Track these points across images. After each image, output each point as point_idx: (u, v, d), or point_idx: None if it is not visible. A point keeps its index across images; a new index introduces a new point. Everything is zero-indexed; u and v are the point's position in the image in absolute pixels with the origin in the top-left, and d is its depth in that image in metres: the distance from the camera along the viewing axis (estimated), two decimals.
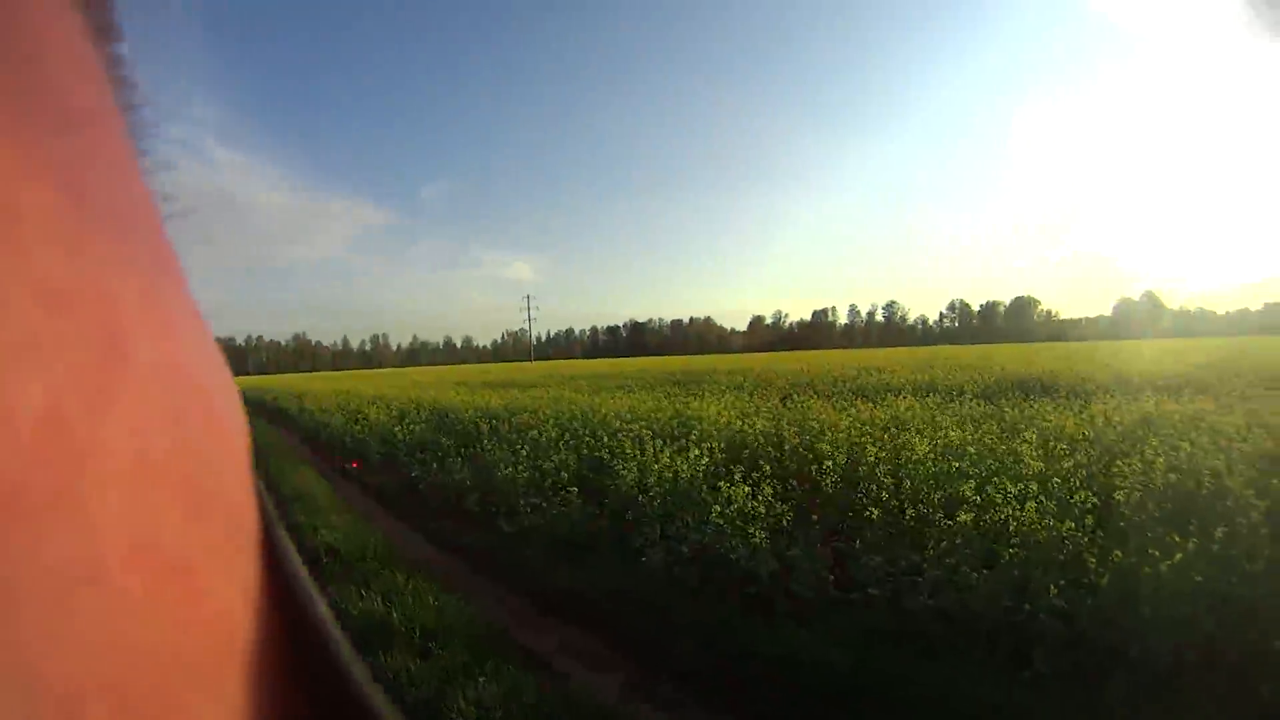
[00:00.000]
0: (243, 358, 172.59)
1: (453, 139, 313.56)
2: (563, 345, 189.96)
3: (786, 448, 6.20)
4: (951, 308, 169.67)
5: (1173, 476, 4.24)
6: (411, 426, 10.29)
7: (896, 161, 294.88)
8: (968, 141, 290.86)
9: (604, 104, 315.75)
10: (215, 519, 0.16)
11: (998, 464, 4.93)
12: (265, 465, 7.98)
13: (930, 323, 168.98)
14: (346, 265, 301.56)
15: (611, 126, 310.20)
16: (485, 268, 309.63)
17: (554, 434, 7.60)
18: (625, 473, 5.61)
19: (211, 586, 0.16)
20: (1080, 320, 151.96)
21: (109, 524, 0.13)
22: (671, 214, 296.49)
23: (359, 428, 11.52)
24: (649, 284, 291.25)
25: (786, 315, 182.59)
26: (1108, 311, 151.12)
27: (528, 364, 71.74)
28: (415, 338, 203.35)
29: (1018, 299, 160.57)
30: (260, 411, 23.38)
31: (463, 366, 74.18)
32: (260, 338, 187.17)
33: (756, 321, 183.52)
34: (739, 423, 7.32)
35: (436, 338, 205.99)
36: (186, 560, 0.15)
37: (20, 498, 0.11)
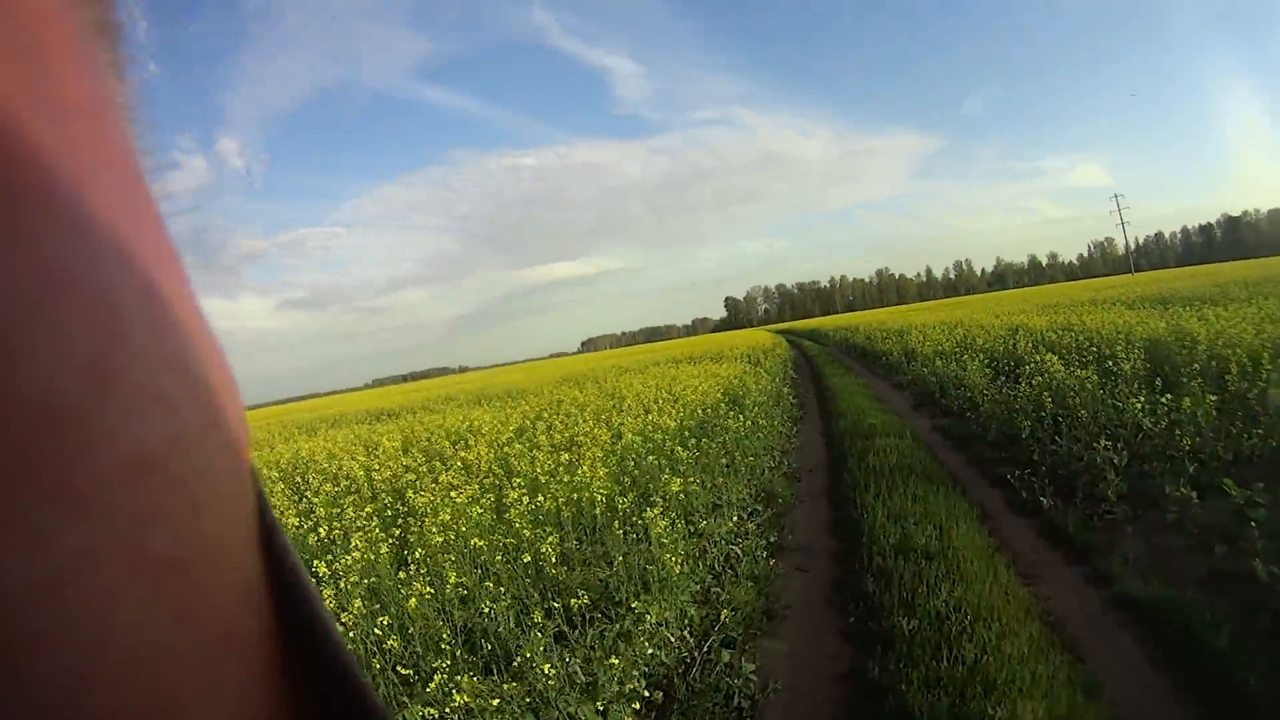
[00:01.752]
0: (829, 299, 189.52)
1: (982, 44, 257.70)
2: (1153, 252, 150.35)
3: None
4: None
5: None
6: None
7: None
8: None
9: None
10: (214, 513, 0.16)
11: None
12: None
13: None
14: (909, 196, 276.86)
15: None
16: (1048, 177, 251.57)
17: None
18: None
19: (209, 581, 0.16)
20: None
21: (108, 517, 0.13)
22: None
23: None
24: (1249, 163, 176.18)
25: None
26: None
27: (1132, 277, 58.14)
28: (999, 260, 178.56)
29: None
30: (844, 357, 23.20)
31: (1060, 286, 63.78)
32: (843, 278, 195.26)
33: None
34: None
35: (1019, 257, 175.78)
36: (185, 555, 0.15)
37: (19, 490, 0.12)
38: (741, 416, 7.67)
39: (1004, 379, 9.19)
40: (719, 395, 9.21)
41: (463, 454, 6.93)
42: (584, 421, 7.76)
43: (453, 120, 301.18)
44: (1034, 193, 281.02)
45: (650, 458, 5.81)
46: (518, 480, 5.11)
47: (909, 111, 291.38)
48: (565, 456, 5.84)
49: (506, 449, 6.86)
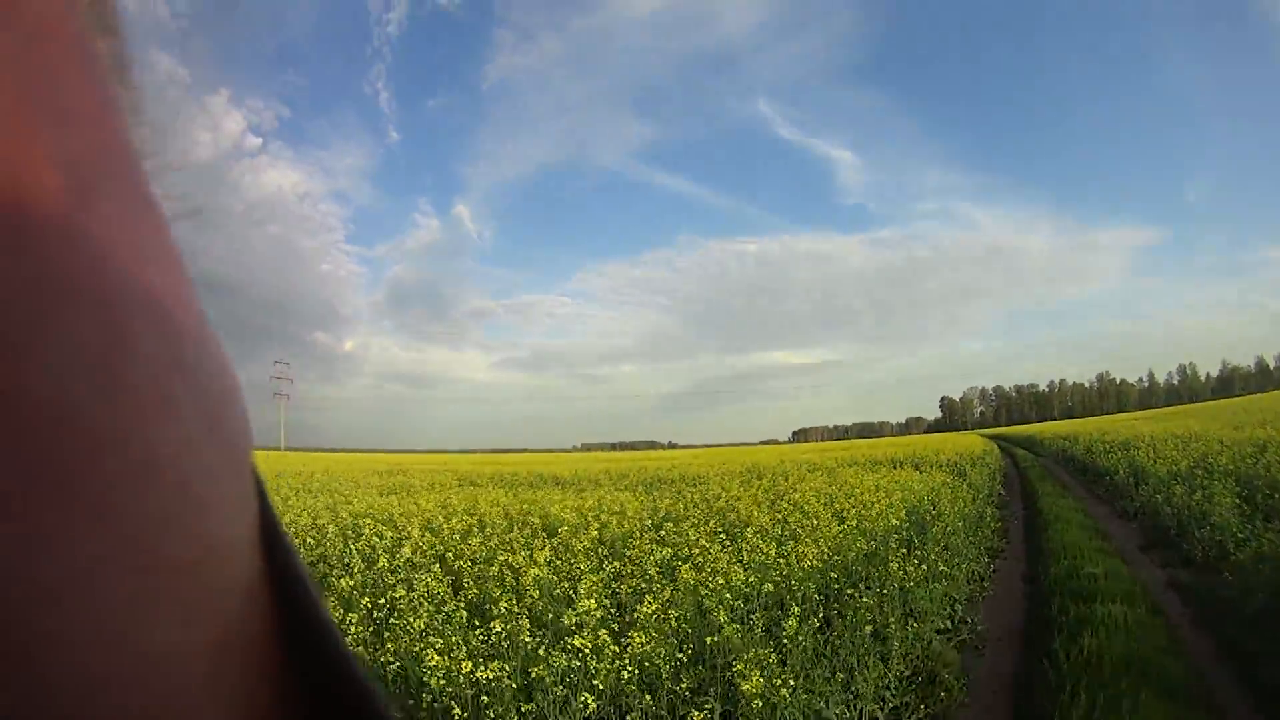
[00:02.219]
0: (1047, 403, 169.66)
1: (1208, 124, 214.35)
2: None
3: None
4: None
5: None
6: None
7: None
8: None
9: None
10: (218, 515, 0.16)
11: None
12: None
13: None
14: (1129, 293, 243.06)
15: None
16: (1276, 268, 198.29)
17: None
18: None
19: (215, 582, 0.16)
20: None
21: (114, 520, 0.13)
22: None
23: None
24: None
25: None
26: None
27: None
28: (1224, 363, 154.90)
29: None
30: (1061, 471, 20.75)
31: None
32: (1062, 381, 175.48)
33: None
34: None
35: (1246, 359, 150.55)
36: (190, 556, 0.15)
37: (26, 493, 0.12)
38: (918, 554, 6.10)
39: (1261, 515, 7.50)
40: (901, 516, 7.88)
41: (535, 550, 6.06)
42: (696, 531, 6.54)
43: (679, 204, 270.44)
44: (1261, 286, 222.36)
45: (727, 626, 3.99)
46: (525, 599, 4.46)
47: (1130, 200, 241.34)
48: (625, 587, 4.96)
49: (582, 557, 5.87)
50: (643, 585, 5.00)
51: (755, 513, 8.04)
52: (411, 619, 4.11)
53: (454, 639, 3.81)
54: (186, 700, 0.15)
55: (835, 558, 5.78)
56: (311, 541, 7.32)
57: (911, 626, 4.83)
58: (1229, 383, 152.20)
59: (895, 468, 15.25)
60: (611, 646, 3.60)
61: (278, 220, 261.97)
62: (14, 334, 0.12)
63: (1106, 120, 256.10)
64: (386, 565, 5.81)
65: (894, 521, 7.51)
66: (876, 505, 8.16)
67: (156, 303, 0.15)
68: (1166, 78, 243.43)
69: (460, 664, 3.40)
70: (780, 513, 8.04)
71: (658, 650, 3.73)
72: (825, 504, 8.62)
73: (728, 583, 4.60)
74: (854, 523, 7.08)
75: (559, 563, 5.62)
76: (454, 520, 7.94)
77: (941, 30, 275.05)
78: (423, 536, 7.03)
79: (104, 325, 0.13)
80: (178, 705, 0.15)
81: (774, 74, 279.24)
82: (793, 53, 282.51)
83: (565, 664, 3.53)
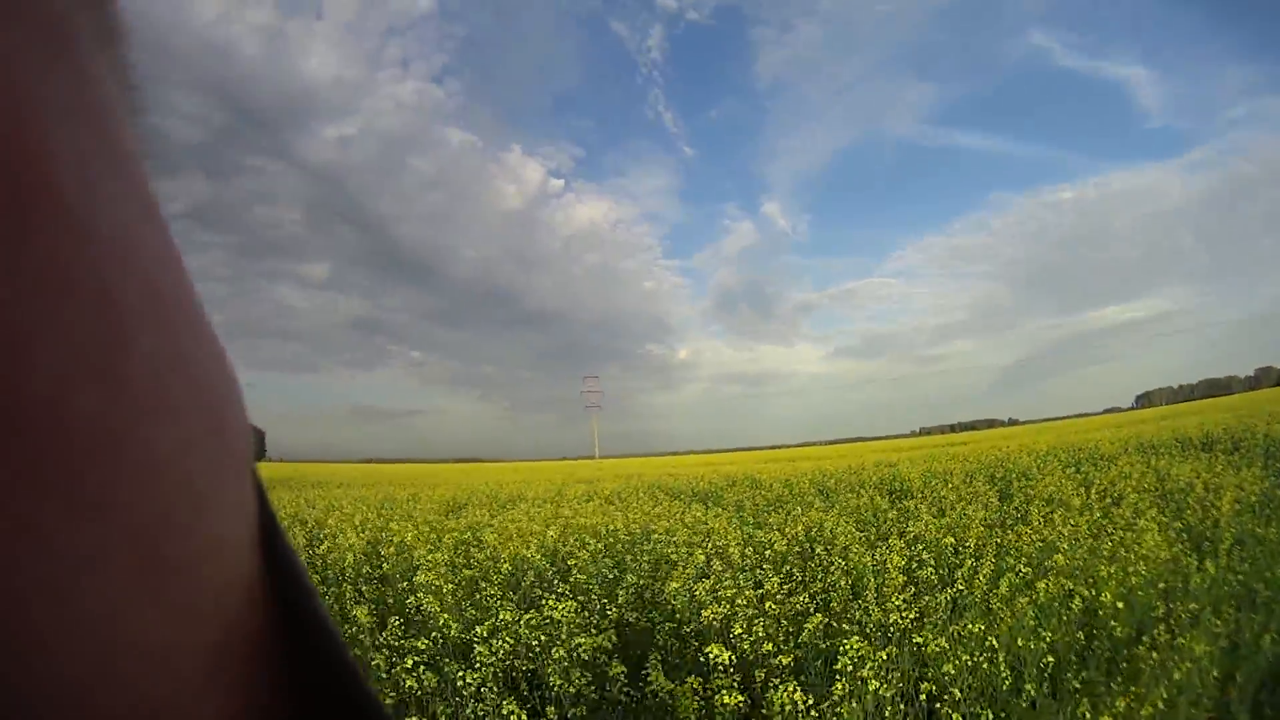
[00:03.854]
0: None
1: None
2: None
3: None
4: None
5: None
6: None
7: None
8: None
9: None
10: (218, 514, 0.16)
11: None
12: None
13: None
14: None
15: None
16: None
17: None
18: None
19: (214, 581, 0.16)
20: None
21: (112, 517, 0.13)
22: None
23: None
24: None
25: None
26: None
27: None
28: None
29: None
30: None
31: None
32: None
33: None
34: None
35: None
36: (190, 555, 0.15)
37: (27, 492, 0.12)
38: None
39: None
40: None
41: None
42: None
43: (980, 162, 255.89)
44: None
45: None
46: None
47: None
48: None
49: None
50: None
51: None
52: None
53: None
54: (185, 698, 0.15)
55: None
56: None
57: None
58: None
59: (1209, 450, 10.72)
60: None
61: (595, 249, 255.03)
62: (15, 332, 0.12)
63: None
64: None
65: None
66: None
67: (157, 302, 0.15)
68: None
69: None
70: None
71: None
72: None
73: None
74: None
75: None
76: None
77: None
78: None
79: (105, 325, 0.13)
80: (176, 703, 0.15)
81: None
82: None
83: None
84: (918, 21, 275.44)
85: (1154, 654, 3.52)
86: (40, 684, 0.12)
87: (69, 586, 0.12)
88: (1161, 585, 4.39)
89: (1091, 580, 4.48)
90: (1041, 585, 4.14)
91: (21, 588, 0.12)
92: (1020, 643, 3.48)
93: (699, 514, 8.50)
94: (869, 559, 5.20)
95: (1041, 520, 6.21)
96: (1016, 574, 4.51)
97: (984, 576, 4.58)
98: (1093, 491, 7.59)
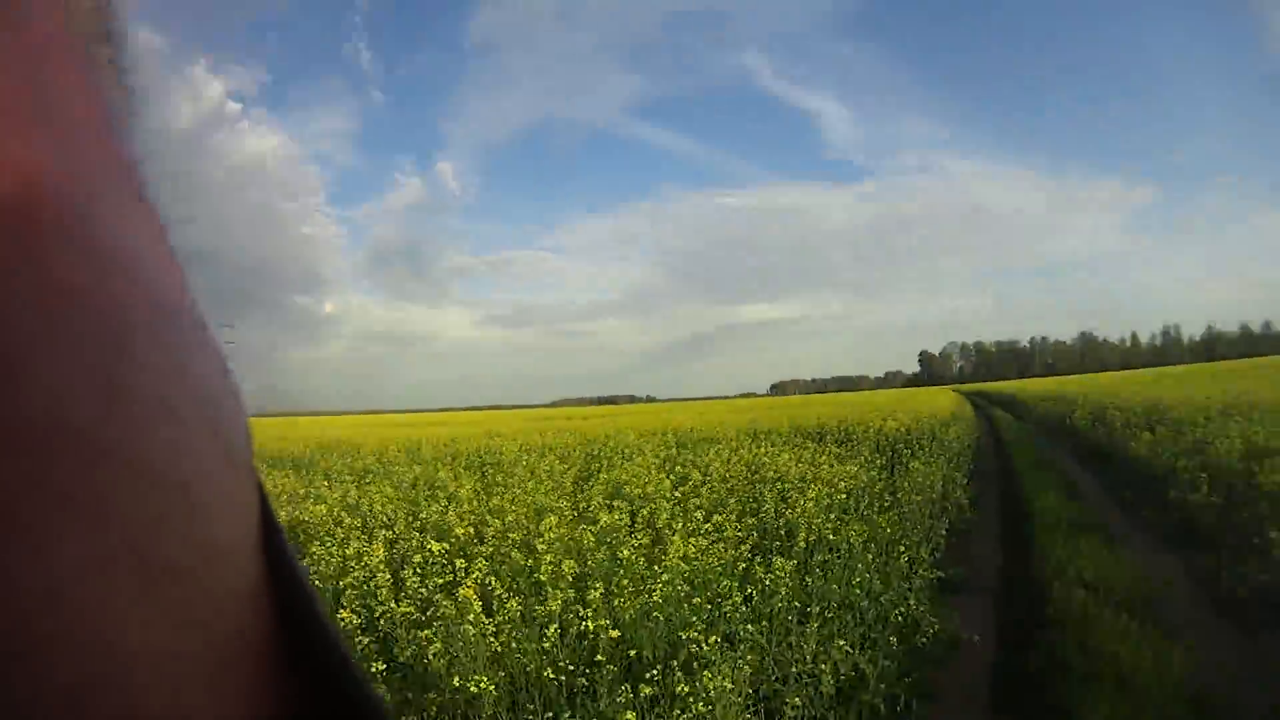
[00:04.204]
0: (1027, 360, 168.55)
1: (1206, 86, 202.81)
2: None
3: None
4: None
5: None
6: None
7: None
8: None
9: None
10: (219, 519, 0.16)
11: None
12: None
13: None
14: (1116, 253, 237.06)
15: None
16: (1267, 235, 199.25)
17: None
18: None
19: (214, 586, 0.16)
20: None
21: (113, 523, 0.13)
22: None
23: None
24: None
25: None
26: None
27: None
28: (1210, 327, 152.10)
29: None
30: (1053, 446, 14.72)
31: None
32: (1044, 338, 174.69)
33: None
34: None
35: (1229, 325, 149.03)
36: (190, 560, 0.15)
37: (26, 497, 0.12)
38: None
39: None
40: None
41: None
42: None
43: (663, 157, 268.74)
44: (1249, 252, 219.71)
45: None
46: None
47: (1121, 158, 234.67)
48: None
49: None
50: None
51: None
52: None
53: None
54: (186, 703, 0.15)
55: None
56: None
57: None
58: (1212, 346, 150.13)
59: (818, 441, 10.33)
60: None
61: (260, 185, 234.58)
62: (17, 342, 0.12)
63: (1100, 78, 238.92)
64: None
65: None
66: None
67: (158, 310, 0.15)
68: (1165, 36, 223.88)
69: None
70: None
71: None
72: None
73: None
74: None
75: None
76: None
77: None
78: None
79: (106, 333, 0.14)
80: (177, 708, 0.14)
81: (766, 25, 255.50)
82: (784, 7, 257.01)
83: None
84: (644, 17, 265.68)
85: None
86: (41, 690, 0.12)
87: (69, 593, 0.12)
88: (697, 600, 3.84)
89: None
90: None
91: (22, 594, 0.12)
92: None
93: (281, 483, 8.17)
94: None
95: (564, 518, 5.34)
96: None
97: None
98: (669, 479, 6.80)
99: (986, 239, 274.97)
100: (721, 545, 4.67)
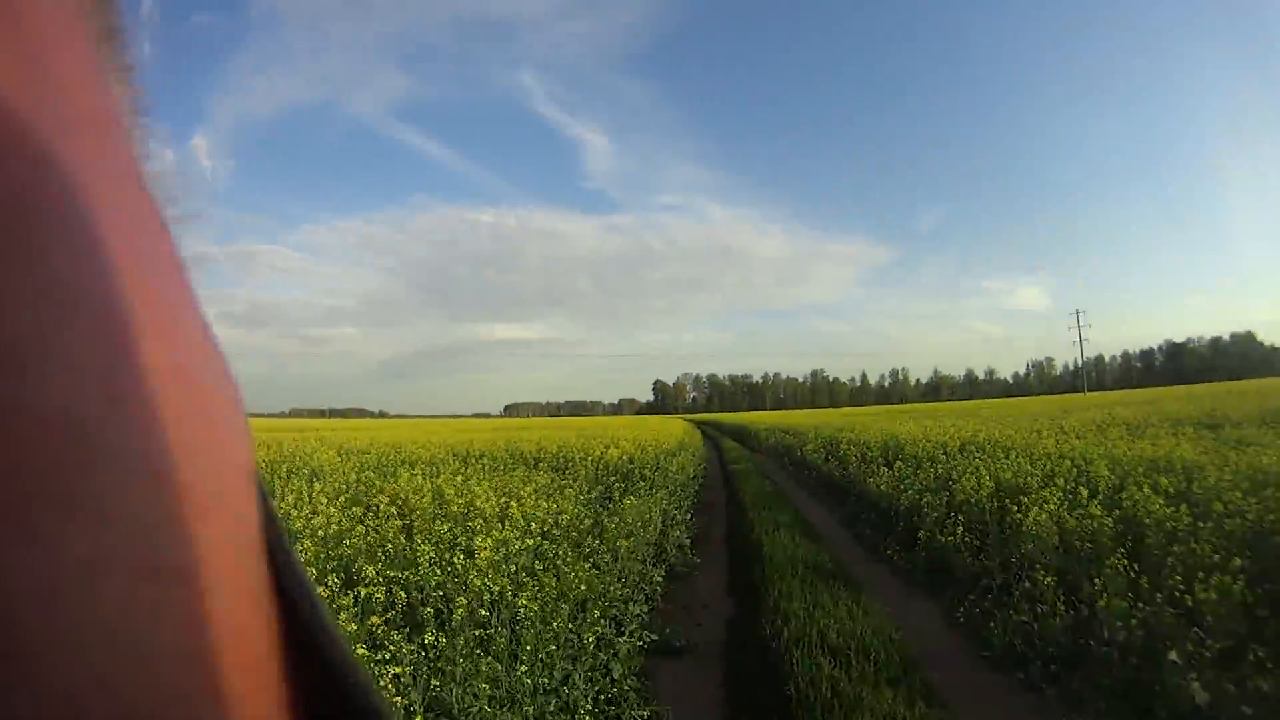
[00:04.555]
0: (760, 394, 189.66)
1: (944, 161, 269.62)
2: (1092, 375, 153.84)
3: None
4: None
5: None
6: None
7: None
8: None
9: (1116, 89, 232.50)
10: (220, 524, 0.16)
11: None
12: None
13: None
14: (852, 302, 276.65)
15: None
16: (990, 297, 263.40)
17: None
18: None
19: (216, 588, 0.16)
20: None
21: (117, 527, 0.13)
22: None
23: None
24: (1193, 294, 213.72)
25: None
26: None
27: (1082, 397, 56.82)
28: (936, 371, 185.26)
29: None
30: (784, 475, 14.70)
31: (1012, 401, 61.04)
32: (776, 375, 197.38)
33: None
34: None
35: (957, 370, 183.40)
36: (192, 565, 0.15)
37: (30, 503, 0.12)
38: None
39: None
40: None
41: None
42: None
43: (423, 164, 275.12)
44: (975, 311, 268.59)
45: None
46: None
47: (865, 221, 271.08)
48: None
49: None
50: None
51: None
52: None
53: None
54: (188, 705, 0.15)
55: None
56: None
57: None
58: (936, 389, 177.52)
59: (532, 468, 9.17)
60: None
61: None
62: (20, 345, 0.12)
63: (849, 141, 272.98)
64: None
65: None
66: None
67: (160, 313, 0.15)
68: (910, 110, 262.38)
69: None
70: None
71: None
72: None
73: None
74: None
75: None
76: None
77: (719, 34, 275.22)
78: None
79: (109, 336, 0.14)
80: (179, 710, 0.14)
81: (548, 49, 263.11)
82: (573, 31, 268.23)
83: None
84: (428, 17, 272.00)
85: None
86: (41, 693, 0.12)
87: (69, 596, 0.12)
88: None
89: None
90: None
91: (22, 597, 0.12)
92: None
93: None
94: None
95: None
96: None
97: None
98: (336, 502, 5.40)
99: (731, 280, 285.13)
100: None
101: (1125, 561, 4.32)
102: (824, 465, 13.05)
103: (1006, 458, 8.10)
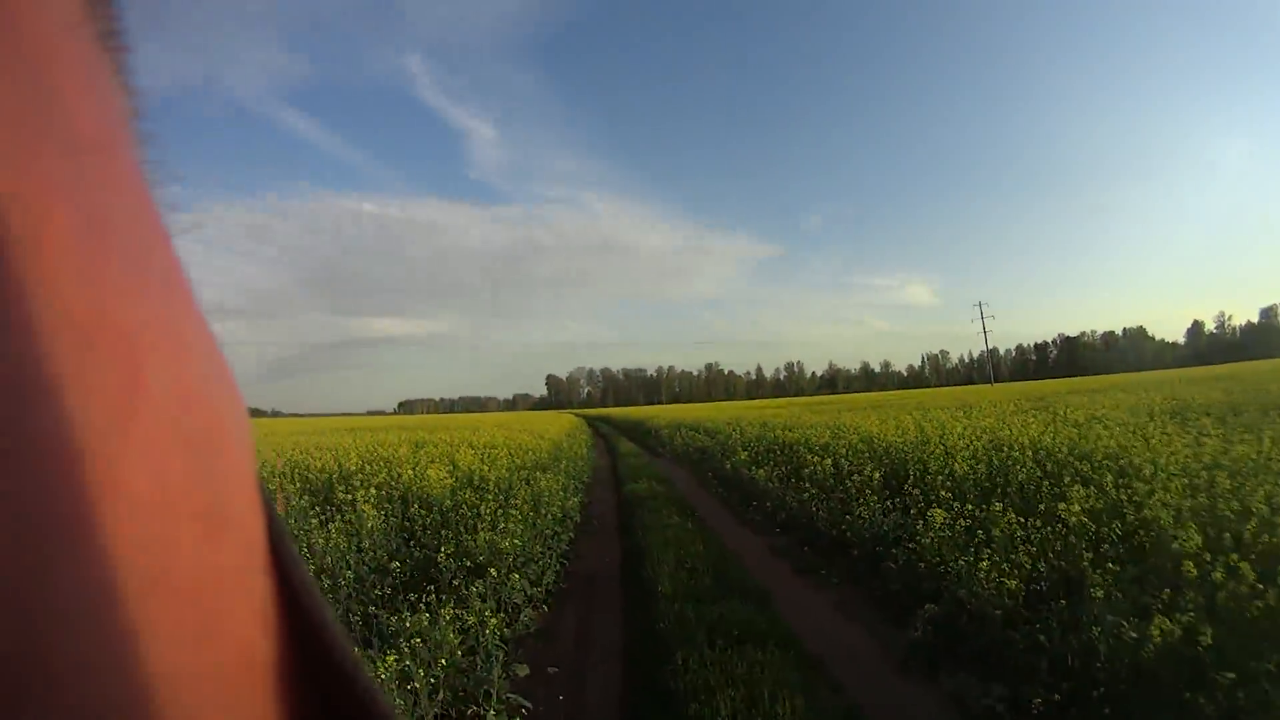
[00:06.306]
0: (655, 388, 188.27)
1: (831, 164, 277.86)
2: (982, 368, 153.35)
3: None
4: None
5: None
6: None
7: None
8: None
9: (995, 94, 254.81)
10: (228, 541, 0.16)
11: None
12: None
13: None
14: (743, 298, 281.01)
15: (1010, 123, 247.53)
16: (879, 293, 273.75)
17: None
18: None
19: (226, 608, 0.16)
20: None
21: (127, 550, 0.13)
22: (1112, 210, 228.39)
23: None
24: (1083, 292, 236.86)
25: (1230, 318, 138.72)
26: None
27: (988, 387, 59.64)
28: (831, 364, 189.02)
29: None
30: (708, 495, 10.58)
31: (915, 393, 63.91)
32: (671, 369, 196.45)
33: (1197, 328, 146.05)
34: None
35: (852, 364, 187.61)
36: (201, 583, 0.15)
37: (41, 525, 0.12)
38: None
39: None
40: None
41: None
42: None
43: (308, 150, 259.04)
44: (865, 306, 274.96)
45: None
46: None
47: (753, 218, 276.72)
48: None
49: None
50: None
51: None
52: None
53: None
54: None
55: None
56: None
57: None
58: (832, 381, 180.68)
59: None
60: None
61: None
62: (29, 376, 0.12)
63: (736, 142, 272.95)
64: None
65: None
66: None
67: (168, 333, 0.15)
68: (794, 115, 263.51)
69: None
70: None
71: None
72: None
73: None
74: None
75: None
76: None
77: (610, 28, 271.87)
78: None
79: (119, 359, 0.14)
80: None
81: (435, 33, 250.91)
82: (459, 13, 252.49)
83: None
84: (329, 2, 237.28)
85: None
86: (54, 710, 0.12)
87: (76, 614, 0.12)
88: None
89: None
90: None
91: (28, 616, 0.12)
92: None
93: None
94: None
95: None
96: None
97: None
98: None
99: (620, 274, 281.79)
100: None
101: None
102: (782, 490, 8.53)
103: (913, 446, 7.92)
